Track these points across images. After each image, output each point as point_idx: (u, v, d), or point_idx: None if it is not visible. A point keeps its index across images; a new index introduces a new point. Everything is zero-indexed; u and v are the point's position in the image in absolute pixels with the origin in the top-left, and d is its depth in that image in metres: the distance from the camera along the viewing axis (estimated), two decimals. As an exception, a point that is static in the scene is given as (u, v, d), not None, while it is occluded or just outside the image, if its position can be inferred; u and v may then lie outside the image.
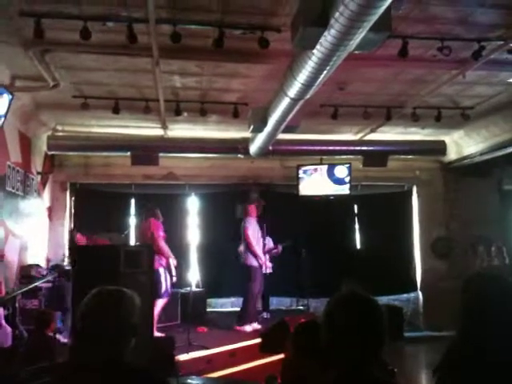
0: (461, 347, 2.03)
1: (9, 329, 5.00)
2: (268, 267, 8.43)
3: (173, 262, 7.41)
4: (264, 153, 8.79)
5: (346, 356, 1.75)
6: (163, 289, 7.05)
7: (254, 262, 8.05)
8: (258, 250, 8.09)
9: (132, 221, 9.76)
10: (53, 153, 9.24)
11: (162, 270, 7.13)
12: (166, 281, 7.17)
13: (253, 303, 8.07)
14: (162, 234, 7.35)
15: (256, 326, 7.95)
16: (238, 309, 8.68)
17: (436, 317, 9.36)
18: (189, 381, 4.47)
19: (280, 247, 8.55)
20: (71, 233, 7.09)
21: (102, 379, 1.86)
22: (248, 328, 7.87)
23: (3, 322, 5.49)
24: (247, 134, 8.27)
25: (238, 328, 7.90)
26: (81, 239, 7.43)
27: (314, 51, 4.29)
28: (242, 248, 8.30)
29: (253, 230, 8.17)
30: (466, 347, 2.01)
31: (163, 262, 7.22)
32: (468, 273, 2.16)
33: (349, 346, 1.74)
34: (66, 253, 9.40)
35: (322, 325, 1.82)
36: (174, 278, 7.53)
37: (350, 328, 1.74)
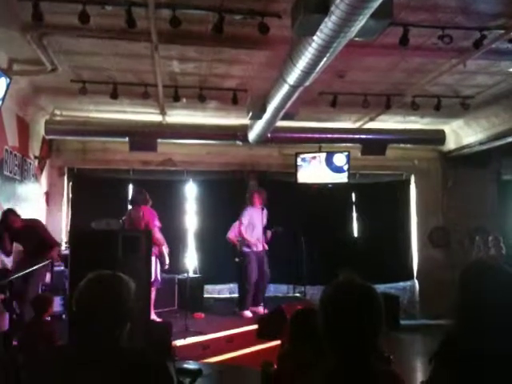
0: (457, 338, 2.03)
1: (6, 313, 5.01)
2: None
3: (166, 249, 7.37)
4: (262, 140, 8.78)
5: (343, 343, 1.75)
6: (152, 278, 6.98)
7: (246, 248, 8.11)
8: (250, 236, 8.13)
9: (130, 207, 9.73)
10: (51, 137, 9.21)
11: (153, 259, 7.07)
12: (155, 270, 7.11)
13: (250, 288, 8.11)
14: (157, 223, 7.25)
15: (256, 309, 7.98)
16: (236, 295, 8.73)
17: (432, 305, 9.42)
18: (185, 365, 4.49)
19: (269, 233, 8.55)
20: (4, 214, 6.77)
21: (99, 363, 1.87)
22: (248, 313, 7.90)
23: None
24: (246, 121, 8.25)
25: (240, 313, 7.95)
26: (15, 222, 7.13)
27: (314, 38, 4.26)
28: (230, 235, 8.47)
29: (248, 218, 8.20)
30: (462, 338, 2.01)
31: (155, 250, 7.14)
32: (465, 263, 2.15)
33: (346, 334, 1.75)
34: (64, 237, 9.41)
35: (319, 312, 1.82)
36: (167, 266, 7.49)
37: (347, 315, 1.74)
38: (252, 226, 8.19)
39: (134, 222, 7.30)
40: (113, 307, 1.93)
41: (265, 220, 8.32)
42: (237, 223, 8.45)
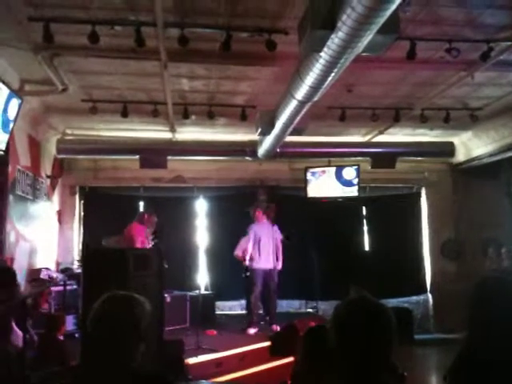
0: (469, 353, 2.01)
1: (19, 332, 5.01)
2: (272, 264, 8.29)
3: None
4: (272, 155, 8.79)
5: (355, 361, 1.74)
6: None
7: (253, 265, 8.09)
8: (257, 253, 8.08)
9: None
10: (62, 156, 9.28)
11: None
12: None
13: (253, 305, 8.08)
14: (141, 239, 7.25)
15: (254, 330, 7.90)
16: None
17: (446, 319, 9.33)
18: (198, 385, 4.46)
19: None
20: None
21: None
22: (250, 331, 7.85)
23: (14, 325, 5.50)
24: (255, 137, 8.27)
25: (245, 330, 7.91)
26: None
27: (322, 54, 4.28)
28: (237, 252, 8.40)
29: (253, 235, 8.17)
30: (474, 354, 1.99)
31: None
32: (478, 275, 2.14)
33: (357, 352, 1.73)
34: (76, 256, 9.45)
35: (331, 330, 1.82)
36: None
37: (357, 333, 1.73)
38: (258, 242, 8.14)
39: (124, 237, 7.39)
40: (128, 329, 1.93)
41: (275, 236, 8.26)
42: (244, 240, 8.44)
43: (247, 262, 8.13)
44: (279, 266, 8.25)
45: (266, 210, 8.44)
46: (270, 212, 8.45)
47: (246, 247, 8.29)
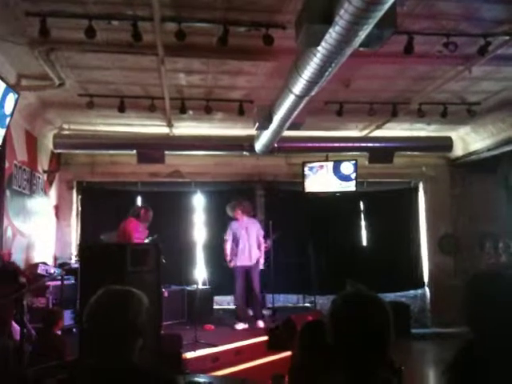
0: (468, 349, 2.02)
1: (16, 327, 5.01)
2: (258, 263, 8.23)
3: None
4: (269, 150, 8.78)
5: (351, 355, 1.74)
6: None
7: (234, 263, 8.06)
8: (236, 251, 8.05)
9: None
10: (59, 151, 9.27)
11: None
12: None
13: (238, 302, 8.07)
14: (137, 235, 7.23)
15: (242, 325, 7.87)
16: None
17: (443, 313, 9.37)
18: (195, 379, 4.47)
19: (269, 242, 8.41)
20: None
21: (109, 379, 1.87)
22: (237, 326, 7.82)
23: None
24: (252, 132, 8.27)
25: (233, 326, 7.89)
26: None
27: (319, 48, 4.27)
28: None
29: (232, 234, 8.14)
30: (472, 350, 2.00)
31: None
32: (475, 269, 2.14)
33: (354, 346, 1.74)
34: (74, 251, 9.45)
35: (328, 324, 1.82)
36: None
37: (354, 327, 1.74)
38: (237, 240, 8.08)
39: (119, 232, 7.36)
40: (124, 323, 1.93)
41: (255, 232, 8.20)
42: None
43: (233, 262, 8.07)
44: (261, 262, 8.18)
45: (242, 208, 8.31)
46: (247, 208, 8.35)
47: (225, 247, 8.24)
